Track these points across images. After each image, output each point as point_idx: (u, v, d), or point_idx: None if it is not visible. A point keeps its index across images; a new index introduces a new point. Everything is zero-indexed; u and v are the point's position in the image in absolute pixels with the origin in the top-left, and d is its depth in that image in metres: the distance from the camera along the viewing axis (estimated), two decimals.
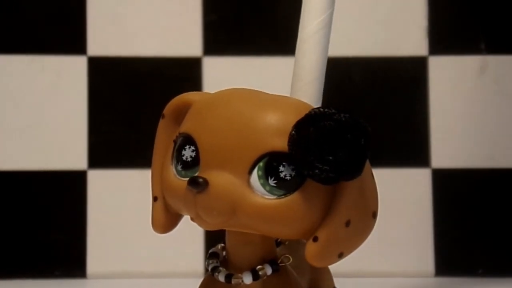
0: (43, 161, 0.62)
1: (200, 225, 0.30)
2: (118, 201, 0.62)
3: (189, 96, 0.33)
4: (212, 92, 0.33)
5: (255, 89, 0.32)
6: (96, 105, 0.63)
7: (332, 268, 0.37)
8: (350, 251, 0.31)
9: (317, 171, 0.28)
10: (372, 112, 0.63)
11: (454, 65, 0.63)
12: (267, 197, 0.29)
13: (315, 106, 0.33)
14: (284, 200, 0.29)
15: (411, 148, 0.63)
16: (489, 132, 0.63)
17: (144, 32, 0.63)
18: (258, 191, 0.29)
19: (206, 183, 0.29)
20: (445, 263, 0.62)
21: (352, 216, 0.30)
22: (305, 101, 0.33)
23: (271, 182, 0.29)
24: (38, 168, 0.62)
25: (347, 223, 0.30)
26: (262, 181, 0.29)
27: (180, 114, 0.33)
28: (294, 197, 0.29)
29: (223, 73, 0.63)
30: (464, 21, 0.64)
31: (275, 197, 0.29)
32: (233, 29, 0.64)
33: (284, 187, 0.29)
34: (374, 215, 0.31)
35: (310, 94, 0.34)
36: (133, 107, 0.63)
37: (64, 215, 0.62)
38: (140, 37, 0.63)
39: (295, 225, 0.30)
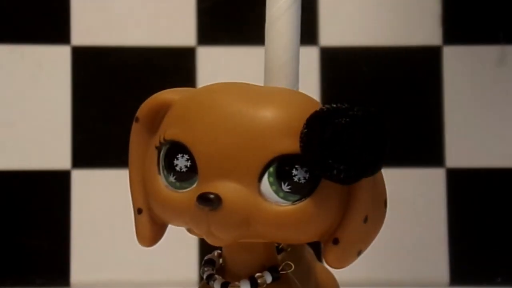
0: (22, 160, 0.62)
1: (211, 242, 0.30)
2: (104, 203, 0.62)
3: (167, 95, 0.32)
4: (195, 88, 0.32)
5: (243, 82, 0.31)
6: (80, 99, 0.63)
7: (340, 277, 0.37)
8: (367, 246, 0.31)
9: (335, 172, 0.28)
10: (382, 106, 0.62)
11: (471, 56, 0.63)
12: (281, 204, 0.29)
13: (295, 85, 0.33)
14: (300, 205, 0.29)
15: (423, 146, 0.63)
16: (509, 128, 0.63)
17: (133, 19, 0.63)
18: (270, 198, 0.29)
19: (219, 199, 0.28)
20: (461, 271, 0.62)
21: (369, 211, 0.30)
22: (285, 81, 0.33)
23: (285, 187, 0.29)
24: (18, 167, 0.62)
25: (365, 219, 0.30)
26: (274, 188, 0.29)
27: (157, 116, 0.32)
28: (310, 201, 0.29)
29: (218, 64, 0.63)
30: (481, 8, 0.64)
31: (289, 203, 0.29)
32: (229, 16, 0.64)
33: (299, 191, 0.29)
34: (385, 203, 0.31)
35: (289, 73, 0.33)
36: (120, 101, 0.63)
37: (46, 219, 0.62)
38: (129, 25, 0.63)
39: (312, 229, 0.29)
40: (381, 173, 0.31)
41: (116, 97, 0.63)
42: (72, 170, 0.62)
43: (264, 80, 0.34)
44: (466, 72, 0.63)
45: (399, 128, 0.63)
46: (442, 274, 0.62)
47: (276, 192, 0.29)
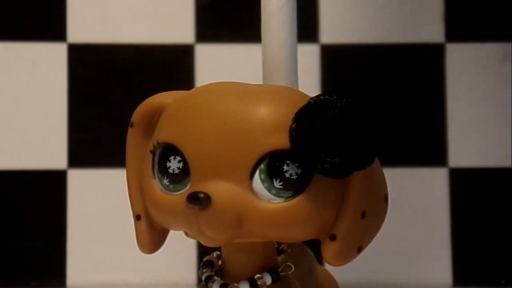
0: (17, 159, 0.62)
1: (204, 242, 0.30)
2: (101, 204, 0.62)
3: (160, 98, 0.32)
4: (191, 88, 0.32)
5: (238, 81, 0.31)
6: (77, 97, 0.63)
7: (341, 279, 0.37)
8: (368, 243, 0.31)
9: (326, 165, 0.28)
10: (383, 104, 0.62)
11: (474, 53, 0.63)
12: (274, 201, 0.29)
13: (294, 84, 0.33)
14: (293, 201, 0.29)
15: (426, 145, 0.63)
16: None
17: (130, 16, 0.63)
18: (263, 196, 0.29)
19: (208, 198, 0.28)
20: (464, 273, 0.62)
21: (367, 206, 0.30)
22: (284, 81, 0.33)
23: (277, 184, 0.29)
24: (12, 167, 0.62)
25: (363, 215, 0.30)
26: (266, 184, 0.29)
27: (151, 120, 0.32)
28: (303, 197, 0.29)
29: (217, 62, 0.62)
30: (484, 5, 0.64)
31: (282, 200, 0.29)
32: (228, 13, 0.63)
33: (292, 187, 0.29)
34: (386, 199, 0.31)
35: (287, 73, 0.34)
36: (118, 100, 0.63)
37: (41, 220, 0.62)
38: (126, 22, 0.63)
39: (308, 227, 0.29)
40: (380, 168, 0.31)
41: (113, 95, 0.63)
42: (68, 170, 0.62)
43: (262, 78, 0.34)
44: (469, 70, 0.63)
45: (401, 127, 0.62)
46: (444, 275, 0.62)
47: (268, 189, 0.29)
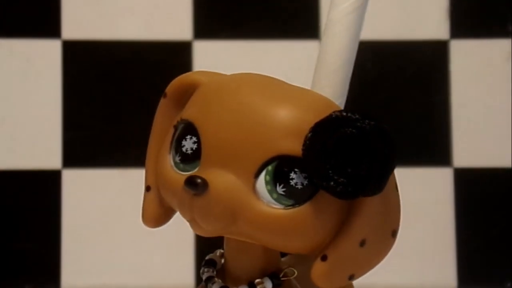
0: (11, 159, 0.62)
1: (194, 230, 0.30)
2: (97, 204, 0.62)
3: (197, 75, 0.32)
4: (224, 74, 0.32)
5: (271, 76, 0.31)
6: (71, 95, 0.62)
7: None
8: (363, 273, 0.31)
9: (332, 183, 0.27)
10: (386, 103, 0.63)
11: (479, 50, 0.63)
12: (273, 206, 0.28)
13: (339, 97, 0.33)
14: (292, 211, 0.28)
15: (430, 145, 0.63)
16: None
17: (126, 12, 0.63)
18: (263, 198, 0.28)
19: (205, 184, 0.28)
20: (469, 274, 0.62)
21: (369, 235, 0.29)
22: (329, 90, 0.32)
23: (280, 189, 0.28)
24: (6, 167, 0.62)
25: (362, 243, 0.29)
26: (269, 187, 0.28)
27: (185, 95, 0.32)
28: (303, 209, 0.28)
29: (216, 59, 0.62)
30: (489, 1, 0.64)
31: (282, 206, 0.28)
32: (227, 9, 0.63)
33: (294, 196, 0.28)
34: (394, 233, 0.31)
35: (335, 83, 0.33)
36: (114, 98, 0.63)
37: (35, 220, 0.62)
38: (122, 18, 0.63)
39: (301, 240, 0.29)
40: (396, 201, 0.31)
41: (109, 93, 0.63)
42: (63, 169, 0.62)
43: (312, 82, 0.34)
44: (474, 67, 0.63)
45: (404, 126, 0.62)
46: (449, 277, 0.62)
47: (270, 193, 0.28)
